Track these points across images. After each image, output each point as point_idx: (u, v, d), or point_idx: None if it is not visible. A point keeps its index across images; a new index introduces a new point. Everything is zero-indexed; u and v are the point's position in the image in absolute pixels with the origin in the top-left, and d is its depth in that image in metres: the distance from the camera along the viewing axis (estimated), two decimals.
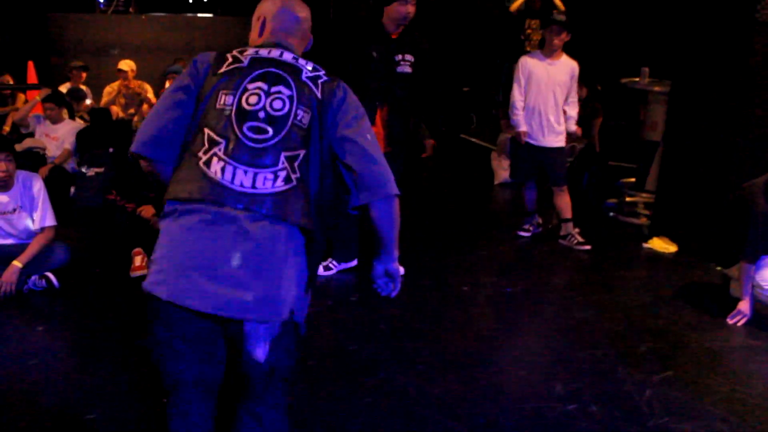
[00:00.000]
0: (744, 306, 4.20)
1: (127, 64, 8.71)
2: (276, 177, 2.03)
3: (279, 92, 2.11)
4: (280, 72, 2.14)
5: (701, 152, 5.45)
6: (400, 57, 4.51)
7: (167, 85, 8.79)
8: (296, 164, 2.06)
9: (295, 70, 2.16)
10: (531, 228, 5.93)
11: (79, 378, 3.44)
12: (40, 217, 4.53)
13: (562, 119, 5.50)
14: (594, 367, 3.66)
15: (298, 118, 2.09)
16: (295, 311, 2.05)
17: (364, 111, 2.22)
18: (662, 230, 5.73)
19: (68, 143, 6.68)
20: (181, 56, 10.42)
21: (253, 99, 2.09)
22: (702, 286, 4.86)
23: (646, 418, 3.17)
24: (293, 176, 2.05)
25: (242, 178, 2.01)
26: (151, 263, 2.08)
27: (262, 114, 2.07)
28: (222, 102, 2.09)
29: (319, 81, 2.16)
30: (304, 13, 2.33)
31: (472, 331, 4.13)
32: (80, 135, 6.76)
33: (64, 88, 8.16)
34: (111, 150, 6.56)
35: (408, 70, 4.52)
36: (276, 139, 2.06)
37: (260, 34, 2.30)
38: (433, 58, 4.79)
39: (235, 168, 2.02)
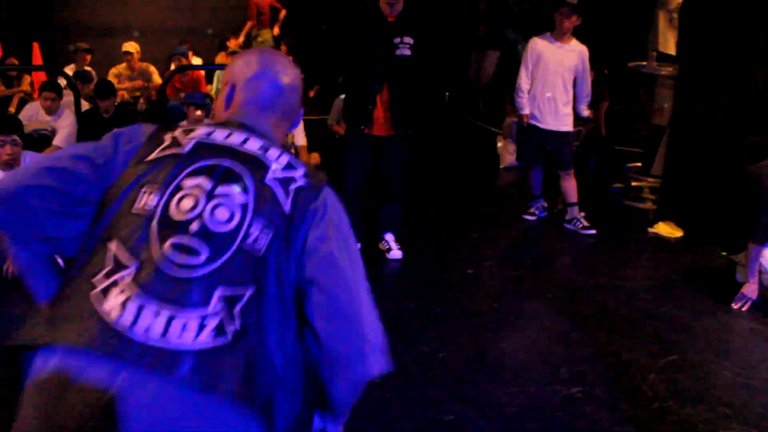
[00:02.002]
0: (748, 289, 4.20)
1: (132, 46, 8.70)
2: (202, 326, 1.34)
3: (227, 195, 1.43)
4: (235, 167, 1.47)
5: (708, 137, 5.43)
6: (398, 40, 4.48)
7: (172, 67, 8.80)
8: (237, 309, 1.37)
9: (259, 166, 1.48)
10: (537, 212, 5.92)
11: None
12: None
13: (570, 103, 5.48)
14: (598, 350, 3.67)
15: (251, 238, 1.41)
16: None
17: (350, 234, 1.53)
18: (668, 215, 5.72)
19: (60, 140, 6.14)
20: (186, 38, 10.40)
21: (186, 203, 1.42)
22: (707, 271, 4.86)
23: (650, 402, 3.18)
24: (229, 327, 1.35)
25: (149, 322, 1.32)
26: None
27: (195, 226, 1.40)
28: (142, 203, 1.42)
29: (292, 186, 1.48)
30: (289, 78, 1.64)
31: (476, 314, 4.13)
32: (85, 117, 6.72)
33: (69, 70, 8.15)
34: None
35: (407, 52, 4.50)
36: (211, 267, 1.38)
37: (226, 107, 1.63)
38: (432, 41, 4.78)
39: (141, 305, 1.33)
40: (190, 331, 1.33)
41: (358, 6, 4.76)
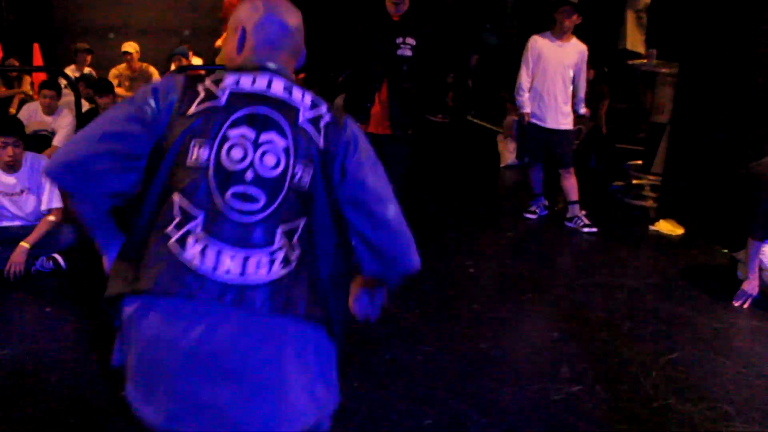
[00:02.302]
0: (749, 285, 4.19)
1: (131, 46, 8.68)
2: (272, 260, 1.58)
3: (270, 142, 1.60)
4: (271, 113, 1.63)
5: (709, 135, 5.42)
6: (400, 40, 4.49)
7: (172, 67, 8.79)
8: (295, 239, 1.61)
9: (290, 110, 1.65)
10: (537, 210, 5.92)
11: (85, 359, 3.46)
12: (48, 199, 4.53)
13: (569, 101, 5.48)
14: (599, 348, 3.67)
15: (296, 178, 1.61)
16: (319, 421, 1.69)
17: (376, 156, 1.75)
18: (669, 213, 5.72)
19: (58, 140, 6.09)
20: (187, 36, 10.38)
21: (236, 153, 1.58)
22: (708, 269, 4.85)
23: (651, 399, 3.18)
24: (292, 256, 1.60)
25: (228, 264, 1.55)
26: (127, 372, 1.68)
27: (249, 174, 1.58)
28: (194, 157, 1.58)
29: (321, 124, 1.66)
30: (294, 19, 1.77)
31: (477, 312, 4.13)
32: (86, 117, 6.71)
33: (69, 71, 8.14)
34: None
35: (408, 53, 4.51)
36: (270, 210, 1.58)
37: (239, 50, 1.74)
38: (435, 41, 4.78)
39: (219, 251, 1.55)
40: (263, 267, 1.56)
41: (363, 4, 4.77)
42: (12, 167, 4.43)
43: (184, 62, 8.85)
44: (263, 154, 1.59)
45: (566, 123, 5.49)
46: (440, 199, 6.47)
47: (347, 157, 1.66)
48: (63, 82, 6.94)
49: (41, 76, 7.70)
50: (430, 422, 2.95)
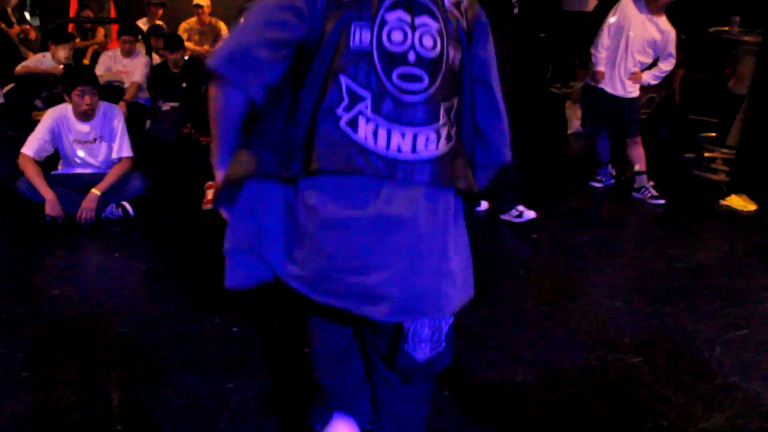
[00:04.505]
0: None
1: (203, 0, 8.74)
2: (439, 136, 1.68)
3: (425, 25, 1.66)
4: None
5: None
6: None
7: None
8: (453, 115, 1.72)
9: None
10: (604, 179, 5.81)
11: (150, 302, 3.56)
12: (119, 147, 4.65)
13: (638, 70, 5.31)
14: (663, 321, 3.59)
15: (450, 58, 1.70)
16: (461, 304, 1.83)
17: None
18: (741, 188, 5.53)
19: (137, 76, 6.68)
20: None
21: (397, 36, 1.64)
22: None
23: (714, 376, 3.10)
24: (453, 131, 1.72)
25: (399, 142, 1.64)
26: (293, 256, 1.73)
27: (411, 56, 1.65)
28: (357, 39, 1.62)
29: (462, 6, 1.75)
30: None
31: (539, 278, 4.09)
32: (155, 70, 6.84)
33: (141, 24, 8.27)
34: (184, 85, 6.63)
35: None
36: (433, 89, 1.67)
37: None
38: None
39: (389, 130, 1.63)
40: (432, 143, 1.67)
41: None
42: (88, 115, 4.54)
43: None
44: (421, 36, 1.65)
45: (633, 91, 5.34)
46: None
47: (483, 41, 1.77)
48: None
49: (115, 29, 7.88)
50: (491, 387, 2.94)
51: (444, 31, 1.68)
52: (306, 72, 1.65)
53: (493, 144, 1.85)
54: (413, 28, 1.65)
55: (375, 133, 1.63)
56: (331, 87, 1.62)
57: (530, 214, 4.76)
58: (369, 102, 1.62)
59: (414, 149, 1.65)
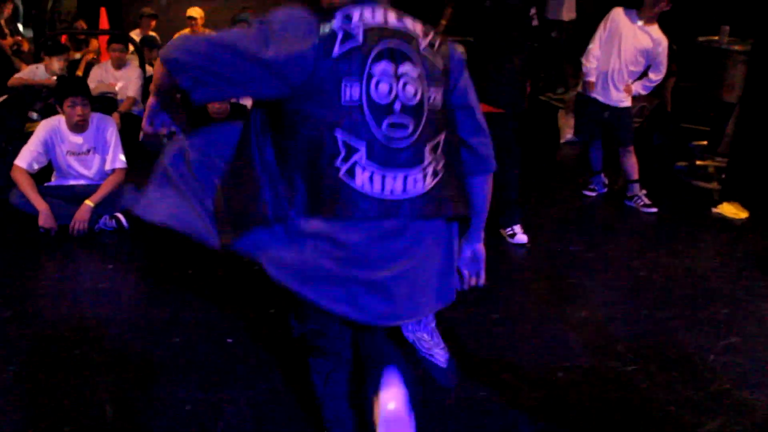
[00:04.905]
0: None
1: (196, 11, 8.78)
2: (425, 175, 1.84)
3: (407, 74, 1.78)
4: (400, 46, 1.78)
5: None
6: None
7: None
8: (439, 151, 1.87)
9: (411, 39, 1.81)
10: (597, 188, 5.83)
11: (144, 314, 3.56)
12: (112, 159, 4.65)
13: (630, 80, 5.33)
14: (656, 328, 3.60)
15: (431, 100, 1.84)
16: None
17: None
18: (733, 195, 5.55)
19: (132, 91, 6.56)
20: (250, 4, 10.42)
21: (383, 88, 1.75)
22: None
23: (707, 383, 3.11)
24: (439, 166, 1.87)
25: (392, 186, 1.79)
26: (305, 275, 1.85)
27: (397, 105, 1.77)
28: (348, 96, 1.72)
29: (436, 47, 1.86)
30: None
31: (532, 287, 4.11)
32: (149, 81, 6.84)
33: (134, 35, 8.28)
34: (177, 96, 6.60)
35: None
36: (416, 134, 1.81)
37: None
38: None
39: (383, 176, 1.78)
40: (419, 182, 1.82)
41: None
42: (80, 127, 4.55)
43: None
44: (404, 85, 1.77)
45: (625, 100, 5.37)
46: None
47: (459, 73, 1.91)
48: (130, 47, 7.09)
49: (106, 39, 7.87)
50: (484, 394, 2.95)
51: (424, 76, 1.81)
52: (292, 130, 1.77)
53: (482, 154, 2.01)
54: (397, 77, 1.76)
55: (371, 180, 1.77)
56: (326, 141, 1.74)
57: (522, 239, 4.69)
58: (364, 152, 1.75)
59: (404, 189, 1.81)
